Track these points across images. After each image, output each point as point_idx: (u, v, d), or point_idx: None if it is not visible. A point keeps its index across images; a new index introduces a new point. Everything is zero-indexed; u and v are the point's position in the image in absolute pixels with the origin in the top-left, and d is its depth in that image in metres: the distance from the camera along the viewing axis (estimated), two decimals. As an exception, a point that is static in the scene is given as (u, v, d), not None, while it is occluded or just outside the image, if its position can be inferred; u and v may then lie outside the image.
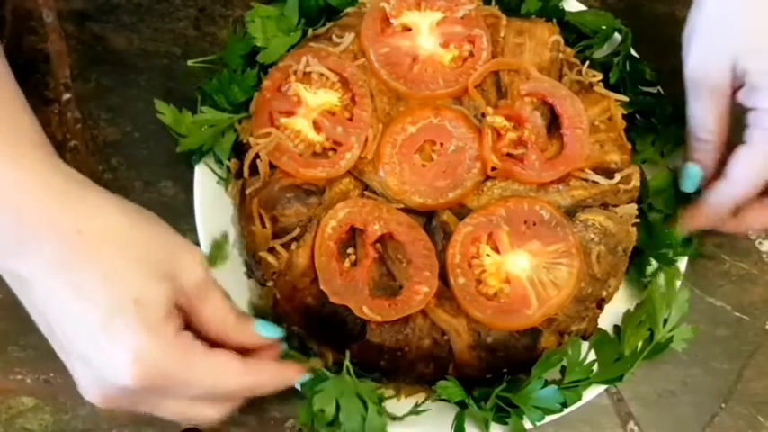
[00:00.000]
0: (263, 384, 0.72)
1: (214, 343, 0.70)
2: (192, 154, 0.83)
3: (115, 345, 0.64)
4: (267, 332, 0.74)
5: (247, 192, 0.81)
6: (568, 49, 0.87)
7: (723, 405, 0.87)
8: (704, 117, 0.80)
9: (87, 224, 0.66)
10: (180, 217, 0.85)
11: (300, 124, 0.81)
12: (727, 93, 0.79)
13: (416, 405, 0.80)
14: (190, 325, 0.70)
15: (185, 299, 0.69)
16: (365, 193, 0.81)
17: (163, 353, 0.65)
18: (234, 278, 0.84)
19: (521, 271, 0.77)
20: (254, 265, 0.83)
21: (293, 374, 0.74)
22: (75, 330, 0.65)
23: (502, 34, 0.86)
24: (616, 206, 0.82)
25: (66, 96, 0.93)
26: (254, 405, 0.86)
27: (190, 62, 0.86)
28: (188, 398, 0.69)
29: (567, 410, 0.77)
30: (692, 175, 0.82)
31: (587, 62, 0.87)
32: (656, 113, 0.86)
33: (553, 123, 0.83)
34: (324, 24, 0.88)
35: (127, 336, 0.64)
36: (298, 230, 0.79)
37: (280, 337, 0.75)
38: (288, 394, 0.81)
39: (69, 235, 0.64)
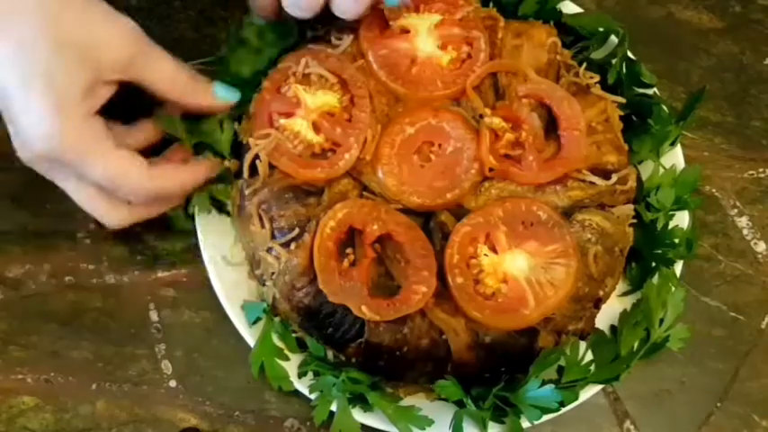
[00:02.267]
0: (166, 184, 0.76)
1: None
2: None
3: (26, 115, 0.69)
4: (224, 92, 0.79)
5: (247, 192, 0.81)
6: (566, 51, 0.88)
7: (719, 404, 0.88)
8: None
9: None
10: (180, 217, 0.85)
11: (299, 125, 0.81)
12: None
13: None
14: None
15: (119, 72, 0.73)
16: (364, 193, 0.82)
17: (65, 133, 0.70)
18: (234, 278, 0.84)
19: (518, 271, 0.78)
20: (253, 266, 0.84)
21: (202, 170, 0.79)
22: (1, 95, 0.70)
23: (500, 36, 0.86)
24: (613, 207, 0.82)
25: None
26: (254, 404, 0.86)
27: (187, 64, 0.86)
28: (91, 184, 0.73)
29: (564, 410, 0.78)
30: None
31: (584, 64, 0.87)
32: (653, 114, 0.86)
33: (550, 124, 0.83)
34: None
35: (35, 109, 0.69)
36: (297, 231, 0.79)
37: (236, 99, 0.79)
38: (288, 394, 0.82)
39: None
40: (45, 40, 0.69)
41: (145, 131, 0.81)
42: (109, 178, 0.73)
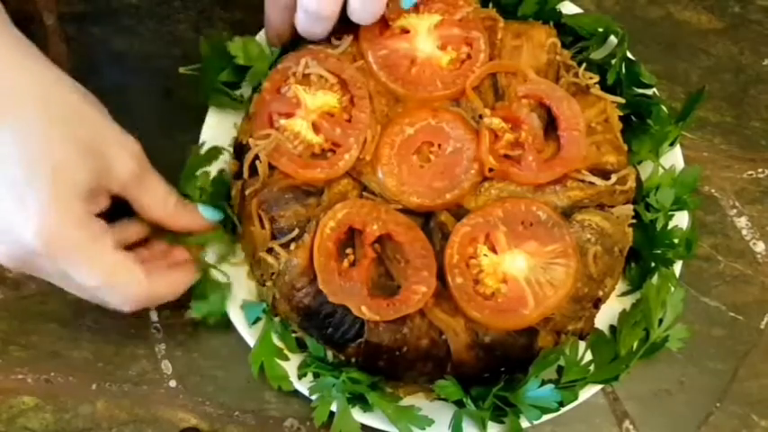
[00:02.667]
0: (162, 292, 0.77)
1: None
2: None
3: (23, 210, 0.66)
4: (208, 214, 0.81)
5: (247, 192, 0.81)
6: (565, 52, 0.88)
7: (718, 404, 0.88)
8: None
9: (14, 79, 0.68)
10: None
11: (299, 126, 0.81)
12: None
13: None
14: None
15: (119, 187, 0.74)
16: (364, 193, 0.82)
17: (66, 230, 0.67)
18: (234, 278, 0.84)
19: (518, 271, 0.78)
20: (253, 266, 0.84)
21: (183, 278, 0.80)
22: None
23: (499, 37, 0.86)
24: (612, 207, 0.82)
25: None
26: (254, 404, 0.87)
27: (181, 69, 0.87)
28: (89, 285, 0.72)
29: (563, 410, 0.78)
30: None
31: (584, 64, 0.87)
32: (652, 115, 0.86)
33: (550, 125, 0.83)
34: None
35: (36, 204, 0.66)
36: (297, 231, 0.79)
37: (219, 219, 0.82)
38: (287, 394, 0.82)
39: None
40: (60, 134, 0.69)
41: (132, 229, 0.81)
42: (102, 280, 0.71)
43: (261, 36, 0.88)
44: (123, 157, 0.73)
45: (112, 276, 0.72)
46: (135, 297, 0.74)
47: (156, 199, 0.78)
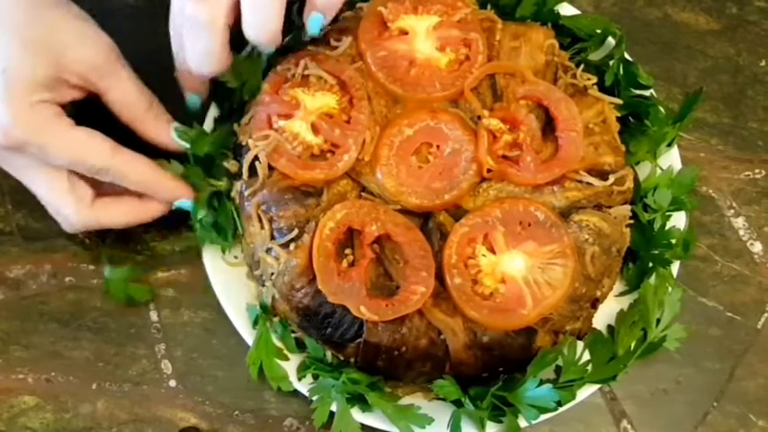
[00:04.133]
0: (129, 171, 0.79)
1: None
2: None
3: None
4: (178, 137, 0.82)
5: (246, 193, 0.81)
6: (563, 53, 0.88)
7: (715, 404, 0.88)
8: None
9: None
10: (179, 221, 0.86)
11: (299, 127, 0.81)
12: None
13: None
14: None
15: (79, 78, 0.77)
16: (363, 194, 0.82)
17: (18, 120, 0.73)
18: (234, 278, 0.85)
19: (516, 271, 0.78)
20: (252, 266, 0.84)
21: (181, 193, 0.82)
22: None
23: (497, 38, 0.86)
24: (610, 207, 0.83)
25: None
26: (253, 404, 0.87)
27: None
28: (54, 168, 0.77)
29: (561, 409, 0.78)
30: (315, 21, 0.79)
31: (582, 65, 0.88)
32: (650, 116, 0.87)
33: (548, 126, 0.84)
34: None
35: None
36: (296, 231, 0.79)
37: (187, 147, 0.82)
38: (287, 393, 0.82)
39: None
40: (8, 37, 0.74)
41: (125, 205, 0.83)
42: (70, 153, 0.76)
43: (250, 47, 0.89)
44: (81, 49, 0.77)
45: (81, 147, 0.76)
46: (104, 160, 0.77)
47: (124, 97, 0.80)
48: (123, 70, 0.80)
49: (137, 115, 0.81)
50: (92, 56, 0.78)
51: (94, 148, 0.77)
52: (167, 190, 0.82)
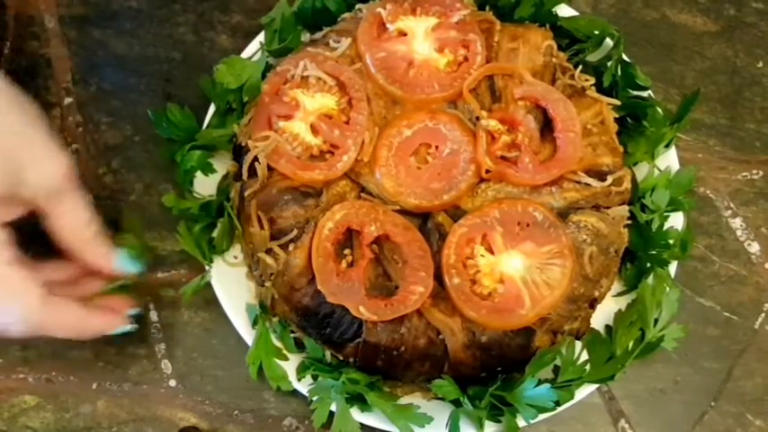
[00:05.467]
0: (54, 325, 0.74)
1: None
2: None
3: None
4: (126, 264, 0.78)
5: (246, 194, 0.82)
6: (561, 54, 0.88)
7: (713, 403, 0.88)
8: None
9: None
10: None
11: (298, 127, 0.82)
12: None
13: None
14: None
15: (31, 197, 0.72)
16: (362, 195, 0.82)
17: None
18: (233, 278, 0.85)
19: (514, 271, 0.78)
20: (252, 266, 0.84)
21: (93, 320, 0.76)
22: None
23: (496, 39, 0.86)
24: (608, 208, 0.83)
25: (68, 100, 0.94)
26: (253, 403, 0.87)
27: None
28: None
29: (559, 409, 0.78)
30: None
31: (580, 66, 0.88)
32: (648, 117, 0.87)
33: (546, 127, 0.84)
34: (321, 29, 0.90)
35: None
36: (295, 232, 0.80)
37: (136, 271, 0.78)
38: (286, 393, 0.82)
39: None
40: None
41: (57, 270, 0.79)
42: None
43: (250, 48, 0.90)
44: (39, 169, 0.72)
45: (8, 293, 0.70)
46: (24, 317, 0.71)
47: (73, 221, 0.75)
48: (78, 194, 0.75)
49: (82, 242, 0.76)
50: (50, 176, 0.72)
51: (23, 298, 0.71)
52: (98, 328, 0.77)
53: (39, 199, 0.72)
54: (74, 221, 0.75)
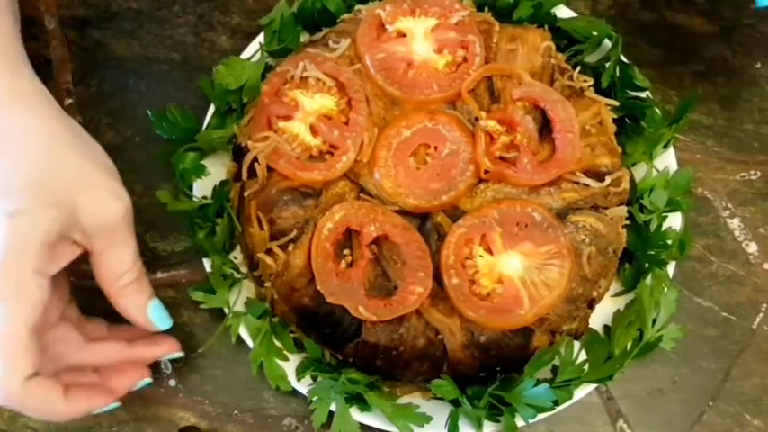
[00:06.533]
0: (79, 411, 0.71)
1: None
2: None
3: None
4: (157, 317, 0.76)
5: (246, 194, 0.82)
6: (560, 55, 0.88)
7: (711, 403, 0.88)
8: None
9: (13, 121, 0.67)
10: (178, 221, 0.86)
11: (298, 128, 0.82)
12: None
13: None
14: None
15: (82, 237, 0.69)
16: (361, 195, 0.82)
17: (8, 393, 0.66)
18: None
19: (513, 271, 0.78)
20: (252, 267, 0.84)
21: (99, 402, 0.74)
22: None
23: (495, 40, 0.87)
24: (606, 208, 0.83)
25: (68, 101, 0.95)
26: (252, 403, 0.87)
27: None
28: None
29: (558, 408, 0.78)
30: None
31: (578, 67, 0.88)
32: (646, 117, 0.87)
33: (545, 127, 0.84)
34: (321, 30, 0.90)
35: None
36: (295, 232, 0.80)
37: (165, 328, 0.76)
38: (286, 393, 0.82)
39: None
40: (22, 176, 0.67)
41: (96, 330, 0.78)
42: (17, 401, 0.68)
43: (249, 49, 0.90)
44: (96, 210, 0.70)
45: (21, 402, 0.68)
46: (49, 416, 0.71)
47: (119, 265, 0.72)
48: (131, 238, 0.73)
49: (119, 285, 0.73)
50: (105, 218, 0.70)
51: (43, 405, 0.69)
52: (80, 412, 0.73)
53: (87, 236, 0.70)
54: (118, 266, 0.72)
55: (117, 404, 0.76)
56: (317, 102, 0.83)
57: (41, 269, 0.67)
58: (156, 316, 0.76)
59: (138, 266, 0.74)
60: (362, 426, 0.80)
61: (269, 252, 0.80)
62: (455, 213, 0.82)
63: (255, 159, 0.81)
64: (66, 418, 0.72)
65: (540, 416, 0.78)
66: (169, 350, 0.79)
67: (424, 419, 0.79)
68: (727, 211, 0.94)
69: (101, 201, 0.70)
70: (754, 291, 0.92)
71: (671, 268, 0.85)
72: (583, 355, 0.82)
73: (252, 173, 0.82)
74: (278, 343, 0.83)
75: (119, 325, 0.78)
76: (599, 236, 0.81)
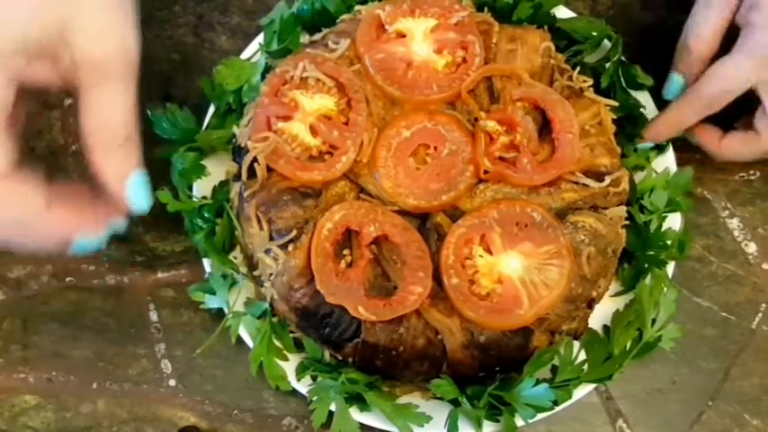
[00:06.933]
0: (65, 224, 0.65)
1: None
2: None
3: None
4: (139, 190, 0.66)
5: (245, 194, 0.82)
6: (559, 55, 0.88)
7: (710, 403, 0.88)
8: (704, 26, 0.83)
9: None
10: (178, 221, 0.86)
11: (297, 128, 0.82)
12: (732, 8, 0.82)
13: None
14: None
15: (70, 66, 0.62)
16: (361, 195, 0.82)
17: None
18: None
19: (513, 271, 0.78)
20: (251, 266, 0.84)
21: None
22: None
23: (494, 40, 0.87)
24: (606, 208, 0.83)
25: (68, 101, 0.95)
26: (252, 403, 0.87)
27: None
28: None
29: (557, 408, 0.79)
30: (674, 83, 0.86)
31: (578, 68, 0.88)
32: (644, 120, 0.87)
33: (544, 127, 0.84)
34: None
35: None
36: (294, 232, 0.80)
37: (145, 206, 0.66)
38: (286, 393, 0.82)
39: None
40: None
41: (73, 194, 0.68)
42: None
43: (249, 50, 0.90)
44: (94, 36, 0.61)
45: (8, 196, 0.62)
46: (30, 226, 0.63)
47: (104, 111, 0.63)
48: (125, 86, 0.63)
49: (103, 141, 0.64)
50: (102, 50, 0.61)
51: (30, 194, 0.63)
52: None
53: (78, 72, 0.61)
54: (104, 115, 0.63)
55: (102, 236, 0.67)
56: (317, 102, 0.83)
57: (12, 73, 0.61)
58: (135, 190, 0.65)
59: (130, 129, 0.65)
60: (362, 426, 0.80)
61: (268, 252, 0.80)
62: (455, 213, 0.82)
63: (255, 159, 0.81)
64: (49, 236, 0.65)
65: (540, 416, 0.78)
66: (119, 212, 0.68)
67: (424, 419, 0.79)
68: (727, 212, 0.94)
69: (103, 30, 0.62)
70: (754, 291, 0.92)
71: (670, 268, 0.85)
72: (582, 355, 0.82)
73: (252, 173, 0.82)
74: (278, 343, 0.83)
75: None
76: (598, 236, 0.81)
